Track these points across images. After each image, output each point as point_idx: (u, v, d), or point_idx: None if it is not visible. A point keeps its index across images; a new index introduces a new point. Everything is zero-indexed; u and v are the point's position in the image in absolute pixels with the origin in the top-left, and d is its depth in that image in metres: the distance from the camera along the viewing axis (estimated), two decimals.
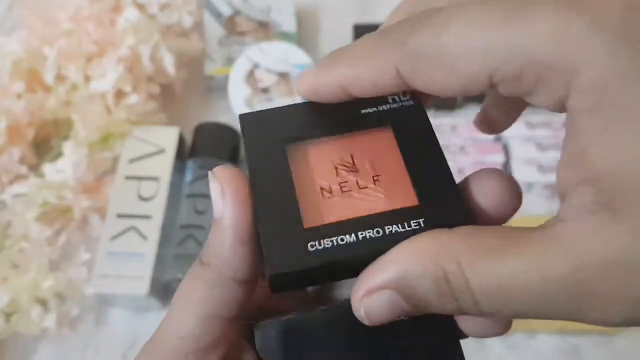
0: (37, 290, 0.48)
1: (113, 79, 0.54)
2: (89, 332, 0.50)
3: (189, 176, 0.53)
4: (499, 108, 0.27)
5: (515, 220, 0.55)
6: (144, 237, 0.50)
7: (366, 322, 0.19)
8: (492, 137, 0.58)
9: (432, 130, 0.22)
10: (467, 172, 0.61)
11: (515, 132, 0.57)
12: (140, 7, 0.60)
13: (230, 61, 0.62)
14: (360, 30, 0.64)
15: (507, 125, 0.27)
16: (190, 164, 0.54)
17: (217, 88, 0.62)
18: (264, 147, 0.22)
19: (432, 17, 0.18)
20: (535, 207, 0.56)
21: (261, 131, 0.22)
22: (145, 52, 0.56)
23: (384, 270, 0.18)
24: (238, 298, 0.20)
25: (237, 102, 0.58)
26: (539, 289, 0.15)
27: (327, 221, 0.20)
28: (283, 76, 0.59)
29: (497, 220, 0.20)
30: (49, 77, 0.54)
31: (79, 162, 0.51)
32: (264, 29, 0.64)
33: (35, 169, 0.55)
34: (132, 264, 0.49)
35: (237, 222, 0.20)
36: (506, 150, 0.57)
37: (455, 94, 0.19)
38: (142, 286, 0.48)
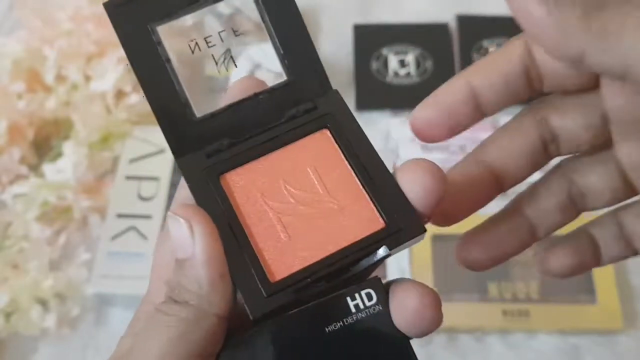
0: (37, 290, 0.48)
1: (113, 78, 0.54)
2: (89, 332, 0.50)
3: None
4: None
5: None
6: (144, 237, 0.50)
7: None
8: None
9: (362, 131, 0.23)
10: None
11: None
12: None
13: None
14: (360, 30, 0.64)
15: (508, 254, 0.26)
16: None
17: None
18: (202, 180, 0.21)
19: None
20: None
21: (197, 161, 0.22)
22: None
23: None
24: (219, 333, 0.20)
25: None
26: None
27: (294, 269, 0.20)
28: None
29: (422, 206, 0.21)
30: (49, 77, 0.54)
31: (79, 162, 0.51)
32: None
33: (35, 169, 0.55)
34: (132, 264, 0.49)
35: (213, 256, 0.20)
36: None
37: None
38: (142, 286, 0.48)
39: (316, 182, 0.22)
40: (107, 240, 0.50)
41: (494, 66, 0.22)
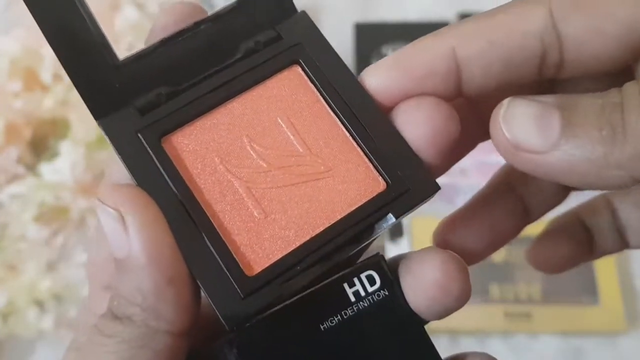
0: (35, 291, 0.48)
1: None
2: None
3: None
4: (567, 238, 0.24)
5: None
6: None
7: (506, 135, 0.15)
8: None
9: (340, 59, 0.18)
10: (470, 173, 0.60)
11: None
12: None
13: None
14: (362, 30, 0.64)
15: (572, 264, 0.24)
16: None
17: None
18: (137, 147, 0.17)
19: None
20: None
21: (127, 121, 0.17)
22: None
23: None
24: (176, 354, 0.16)
25: None
26: None
27: (277, 256, 0.16)
28: None
29: (430, 153, 0.17)
30: (46, 76, 0.54)
31: (76, 162, 0.51)
32: None
33: (32, 168, 0.55)
34: None
35: (157, 255, 0.15)
36: None
37: (612, 56, 0.16)
38: None
39: (292, 137, 0.17)
40: None
41: (498, 36, 0.16)
